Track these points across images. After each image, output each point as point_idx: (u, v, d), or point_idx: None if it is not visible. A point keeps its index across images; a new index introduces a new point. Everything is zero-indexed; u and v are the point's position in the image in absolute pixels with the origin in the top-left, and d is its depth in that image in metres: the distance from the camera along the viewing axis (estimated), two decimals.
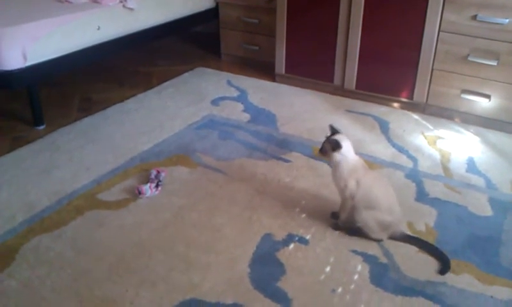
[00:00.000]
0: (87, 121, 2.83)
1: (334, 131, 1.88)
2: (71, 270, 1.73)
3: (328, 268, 1.74)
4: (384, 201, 1.82)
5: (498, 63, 2.62)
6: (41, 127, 2.76)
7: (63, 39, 2.66)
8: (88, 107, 3.02)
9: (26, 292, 1.63)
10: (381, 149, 2.53)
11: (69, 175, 2.28)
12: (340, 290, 1.65)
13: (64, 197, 2.12)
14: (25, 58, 2.47)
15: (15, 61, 2.44)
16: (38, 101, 2.74)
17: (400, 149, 2.53)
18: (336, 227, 1.94)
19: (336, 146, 1.81)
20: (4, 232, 1.91)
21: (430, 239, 1.87)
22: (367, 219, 1.82)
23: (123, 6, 3.00)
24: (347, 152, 1.83)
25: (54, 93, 3.23)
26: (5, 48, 2.39)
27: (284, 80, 3.39)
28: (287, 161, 2.42)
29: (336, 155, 1.82)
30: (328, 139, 1.84)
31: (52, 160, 2.42)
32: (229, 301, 1.60)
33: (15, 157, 2.45)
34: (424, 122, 2.84)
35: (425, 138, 2.65)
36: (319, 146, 1.89)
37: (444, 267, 1.74)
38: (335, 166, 1.86)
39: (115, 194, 2.15)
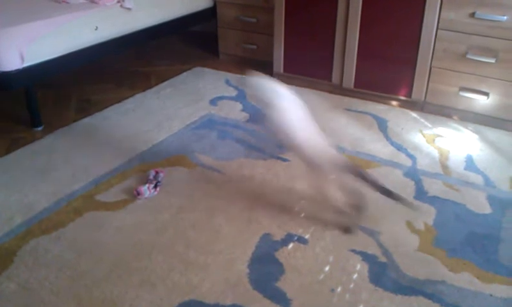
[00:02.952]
0: (85, 122, 2.83)
1: None
2: (70, 271, 1.72)
3: (327, 268, 1.74)
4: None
5: (496, 60, 2.62)
6: (39, 128, 2.75)
7: (61, 40, 2.66)
8: (86, 108, 3.02)
9: (25, 294, 1.63)
10: (380, 148, 2.53)
11: (67, 176, 2.28)
12: (339, 289, 1.65)
13: (63, 199, 2.11)
14: (22, 59, 2.46)
15: (12, 61, 2.43)
16: (36, 102, 2.74)
17: (399, 148, 2.53)
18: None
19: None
20: (2, 234, 1.90)
21: (429, 237, 1.87)
22: None
23: (121, 6, 2.99)
24: None
25: (52, 94, 3.22)
26: (2, 49, 2.38)
27: (282, 79, 3.35)
28: (285, 160, 2.42)
29: None
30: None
31: (50, 161, 2.41)
32: (228, 302, 1.60)
33: (13, 158, 2.44)
34: (423, 120, 2.83)
35: (424, 136, 2.65)
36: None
37: (389, 194, 1.81)
38: None
39: (114, 195, 2.14)
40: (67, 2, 2.90)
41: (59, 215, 2.01)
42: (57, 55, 2.66)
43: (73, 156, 2.45)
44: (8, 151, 2.51)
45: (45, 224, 1.96)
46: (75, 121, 2.83)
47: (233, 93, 3.21)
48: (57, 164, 2.38)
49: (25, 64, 2.49)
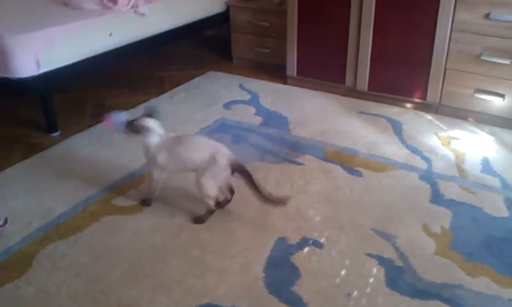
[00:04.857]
0: (101, 126, 2.85)
1: (148, 113, 2.02)
2: (87, 275, 1.74)
3: (343, 272, 1.73)
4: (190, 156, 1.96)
5: (511, 62, 2.60)
6: (56, 134, 2.78)
7: (76, 46, 2.69)
8: (102, 113, 3.03)
9: (43, 298, 1.65)
10: (395, 151, 2.51)
11: (84, 181, 2.30)
12: (355, 293, 1.64)
13: (80, 203, 2.13)
14: (38, 65, 2.49)
15: (29, 68, 2.46)
16: (52, 108, 2.77)
17: (414, 151, 2.51)
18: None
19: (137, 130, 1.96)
20: (20, 239, 1.93)
21: (445, 241, 1.86)
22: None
23: (135, 11, 3.01)
24: (153, 133, 1.97)
25: (68, 100, 3.25)
26: (19, 55, 2.41)
27: (295, 82, 3.39)
28: (299, 164, 2.42)
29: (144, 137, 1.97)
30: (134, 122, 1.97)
31: (67, 166, 2.44)
32: (244, 306, 1.60)
33: (30, 164, 2.47)
34: (438, 122, 2.81)
35: (439, 139, 2.63)
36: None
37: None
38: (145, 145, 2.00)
39: (130, 200, 2.16)
40: (82, 9, 2.93)
41: (76, 219, 2.03)
42: (73, 62, 2.69)
43: (90, 161, 2.48)
44: (25, 156, 2.54)
45: (62, 228, 1.98)
46: (90, 126, 2.86)
47: (247, 96, 3.22)
48: (73, 169, 2.41)
49: (41, 71, 2.52)
